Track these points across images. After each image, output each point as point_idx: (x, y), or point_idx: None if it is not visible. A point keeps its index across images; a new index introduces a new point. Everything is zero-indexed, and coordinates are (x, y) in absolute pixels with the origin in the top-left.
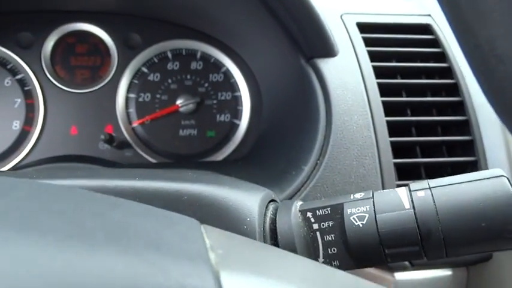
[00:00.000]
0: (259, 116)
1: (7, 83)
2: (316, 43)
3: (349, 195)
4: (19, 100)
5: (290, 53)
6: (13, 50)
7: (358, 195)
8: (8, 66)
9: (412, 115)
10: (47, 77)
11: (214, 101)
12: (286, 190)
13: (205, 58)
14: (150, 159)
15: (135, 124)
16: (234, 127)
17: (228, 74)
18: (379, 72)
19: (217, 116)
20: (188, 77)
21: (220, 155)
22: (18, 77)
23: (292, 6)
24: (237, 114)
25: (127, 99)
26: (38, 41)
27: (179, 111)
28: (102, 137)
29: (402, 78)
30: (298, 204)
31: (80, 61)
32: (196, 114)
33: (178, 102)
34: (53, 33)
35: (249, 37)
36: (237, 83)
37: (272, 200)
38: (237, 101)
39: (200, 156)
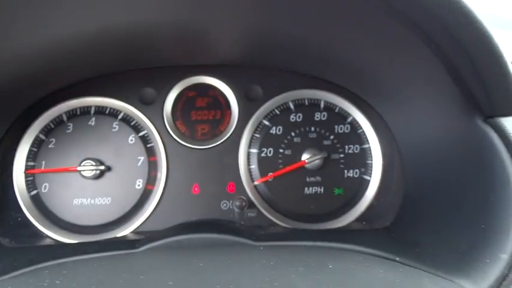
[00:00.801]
0: (393, 172)
1: (131, 140)
2: (500, 101)
3: None
4: (142, 158)
5: (461, 111)
6: (137, 107)
7: None
8: (132, 123)
9: None
10: (169, 133)
11: (341, 155)
12: (480, 283)
13: (329, 108)
14: (274, 219)
15: (257, 182)
16: (364, 184)
17: (354, 124)
18: None
19: (345, 172)
20: (312, 129)
21: (350, 216)
22: (141, 133)
23: (485, 65)
24: (366, 169)
25: (249, 154)
26: (160, 96)
27: (305, 167)
28: (238, 203)
29: None
30: None
31: (200, 115)
32: (323, 170)
33: (305, 157)
34: (175, 88)
35: (402, 91)
36: (365, 134)
37: None
38: (365, 154)
39: (328, 217)
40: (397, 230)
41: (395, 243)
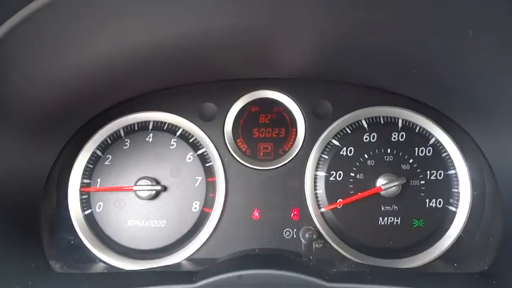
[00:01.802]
0: (485, 204)
1: (189, 158)
2: None
3: None
4: (200, 178)
5: None
6: (196, 123)
7: None
8: (191, 140)
9: None
10: (229, 151)
11: (422, 181)
12: None
13: (409, 127)
14: (343, 252)
15: (325, 209)
16: (448, 215)
17: (438, 147)
18: None
19: (427, 201)
20: (389, 151)
21: (431, 253)
22: (200, 151)
23: None
24: (452, 198)
25: (315, 178)
26: (221, 112)
27: (380, 194)
28: (307, 235)
29: None
30: None
31: (263, 133)
32: (400, 198)
33: (380, 183)
34: (236, 103)
35: (504, 110)
36: (450, 158)
37: None
38: (451, 181)
39: (405, 252)
40: (498, 275)
41: None
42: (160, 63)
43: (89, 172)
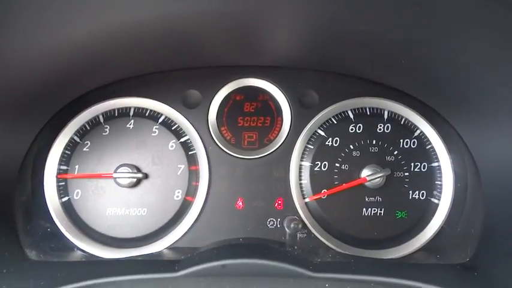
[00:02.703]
0: (467, 197)
1: (171, 146)
2: None
3: None
4: (183, 166)
5: None
6: (179, 110)
7: None
8: (173, 128)
9: None
10: (213, 139)
11: (406, 173)
12: None
13: (394, 119)
14: (327, 243)
15: (309, 199)
16: (431, 207)
17: (422, 139)
18: None
19: (410, 193)
20: (374, 142)
21: (414, 244)
22: (183, 139)
23: None
24: (434, 190)
25: (300, 167)
26: (205, 99)
27: (364, 185)
28: (293, 225)
29: None
30: None
31: (248, 122)
32: (384, 190)
33: (365, 174)
34: (221, 91)
35: (490, 104)
36: (434, 151)
37: None
38: (434, 173)
39: (389, 243)
40: (479, 267)
41: (479, 284)
42: (142, 48)
43: (66, 158)
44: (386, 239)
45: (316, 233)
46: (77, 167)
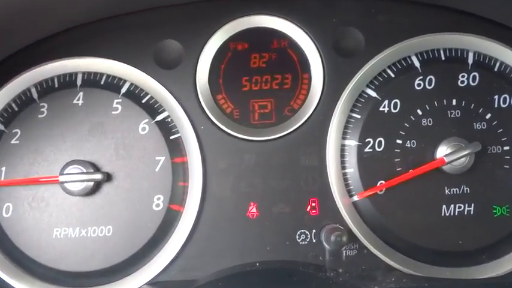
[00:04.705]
0: None
1: (143, 129)
2: None
3: None
4: (162, 159)
5: None
6: (150, 72)
7: None
8: (144, 100)
9: None
10: (205, 114)
11: (506, 147)
12: None
13: (484, 65)
14: (389, 261)
15: (359, 197)
16: None
17: None
18: None
19: None
20: (454, 103)
21: None
22: (160, 117)
23: None
24: None
25: (343, 150)
26: (189, 53)
27: (442, 170)
28: (333, 237)
29: None
30: None
31: (258, 83)
32: (473, 175)
33: (441, 153)
34: (213, 38)
35: None
36: None
37: None
38: None
39: (483, 256)
40: None
41: None
42: None
43: None
44: (480, 250)
45: (370, 247)
46: (3, 169)
